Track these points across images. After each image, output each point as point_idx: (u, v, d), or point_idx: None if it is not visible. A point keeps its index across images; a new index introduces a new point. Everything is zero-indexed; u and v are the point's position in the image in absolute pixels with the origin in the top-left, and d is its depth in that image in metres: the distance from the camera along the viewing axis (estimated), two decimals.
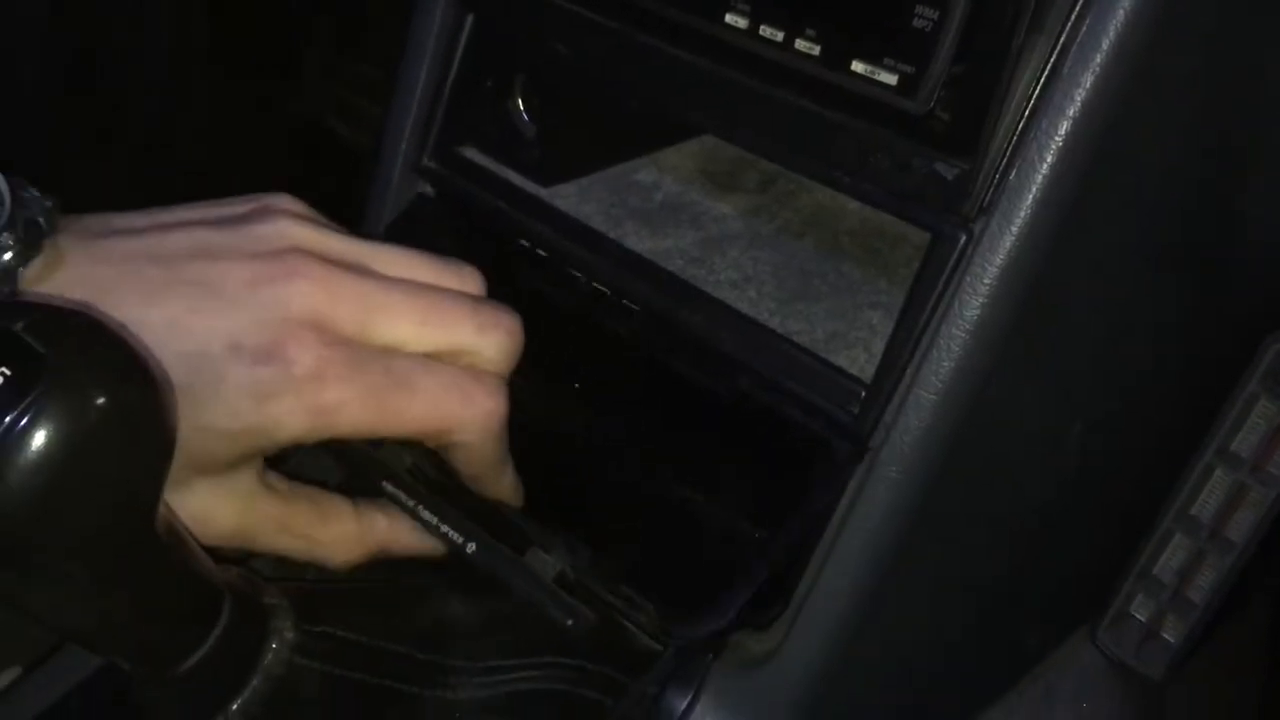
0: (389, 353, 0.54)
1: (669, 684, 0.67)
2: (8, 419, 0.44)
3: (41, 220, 0.50)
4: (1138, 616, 0.80)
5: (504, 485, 0.64)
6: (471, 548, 0.62)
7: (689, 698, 0.67)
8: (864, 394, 0.63)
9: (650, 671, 0.68)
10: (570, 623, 0.63)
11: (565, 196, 0.77)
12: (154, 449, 0.49)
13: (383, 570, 0.75)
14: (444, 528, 0.63)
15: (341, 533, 0.61)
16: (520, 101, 0.76)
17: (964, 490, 0.65)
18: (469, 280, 0.59)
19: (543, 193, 0.76)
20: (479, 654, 0.67)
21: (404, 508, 0.63)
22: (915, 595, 0.68)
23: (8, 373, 0.44)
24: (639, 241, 0.74)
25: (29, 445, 0.44)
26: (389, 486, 0.64)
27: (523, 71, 0.76)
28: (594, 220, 0.75)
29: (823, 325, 0.68)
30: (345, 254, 0.55)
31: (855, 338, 0.67)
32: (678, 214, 0.76)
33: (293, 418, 0.51)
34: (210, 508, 0.55)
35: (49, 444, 0.44)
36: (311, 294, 0.52)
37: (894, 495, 0.61)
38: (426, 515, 0.63)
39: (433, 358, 0.56)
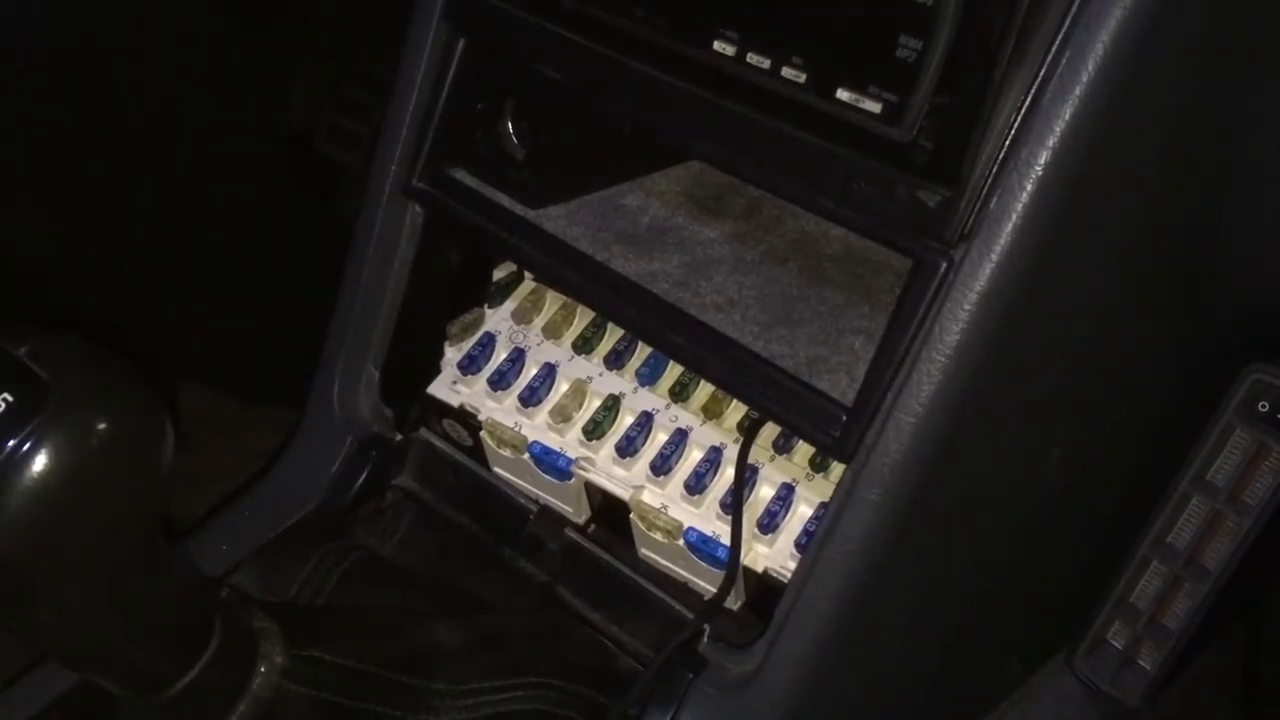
0: None
1: (649, 705, 0.68)
2: (10, 444, 0.44)
3: None
4: (1114, 644, 0.80)
5: None
6: None
7: (669, 718, 0.67)
8: (845, 417, 0.63)
9: (631, 692, 0.68)
10: None
11: (553, 219, 0.77)
12: (152, 475, 0.50)
13: (372, 594, 0.75)
14: None
15: None
16: (510, 124, 0.77)
17: (943, 514, 0.65)
18: None
19: (531, 215, 0.77)
20: (462, 677, 0.67)
21: None
22: (894, 619, 0.68)
23: (10, 399, 0.45)
24: (625, 264, 0.74)
25: (30, 471, 0.44)
26: None
27: (513, 95, 0.76)
28: (581, 243, 0.75)
29: (805, 349, 0.69)
30: None
31: (837, 362, 0.68)
32: (664, 238, 0.77)
33: None
34: None
35: (50, 470, 0.45)
36: None
37: (874, 517, 0.62)
38: None
39: None
